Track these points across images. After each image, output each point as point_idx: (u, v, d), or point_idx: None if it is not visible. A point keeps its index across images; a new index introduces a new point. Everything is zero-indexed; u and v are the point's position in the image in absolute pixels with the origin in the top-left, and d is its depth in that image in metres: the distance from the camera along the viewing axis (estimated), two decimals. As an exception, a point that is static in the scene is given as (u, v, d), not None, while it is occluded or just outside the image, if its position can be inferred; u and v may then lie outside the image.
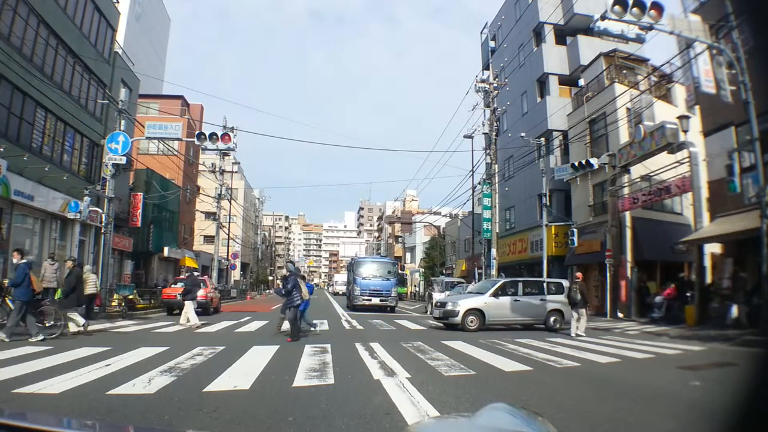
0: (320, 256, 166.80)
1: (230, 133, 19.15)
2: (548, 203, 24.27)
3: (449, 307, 14.59)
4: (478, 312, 14.34)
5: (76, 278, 11.70)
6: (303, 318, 12.13)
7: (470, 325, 14.07)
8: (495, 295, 14.79)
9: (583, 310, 13.72)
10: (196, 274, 17.03)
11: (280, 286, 11.37)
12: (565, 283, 15.92)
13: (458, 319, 14.09)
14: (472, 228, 34.32)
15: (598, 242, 22.09)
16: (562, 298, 15.08)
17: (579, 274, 15.65)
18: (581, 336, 12.97)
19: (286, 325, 11.43)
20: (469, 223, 37.00)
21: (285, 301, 11.21)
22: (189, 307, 13.49)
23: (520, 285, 15.57)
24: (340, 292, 52.24)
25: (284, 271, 11.36)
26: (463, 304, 14.43)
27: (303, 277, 12.99)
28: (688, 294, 17.09)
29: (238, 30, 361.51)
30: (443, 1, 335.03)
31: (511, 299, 14.91)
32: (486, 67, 34.95)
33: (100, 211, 18.21)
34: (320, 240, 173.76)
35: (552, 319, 15.06)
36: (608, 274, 19.99)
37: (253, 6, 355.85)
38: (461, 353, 8.87)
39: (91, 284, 13.84)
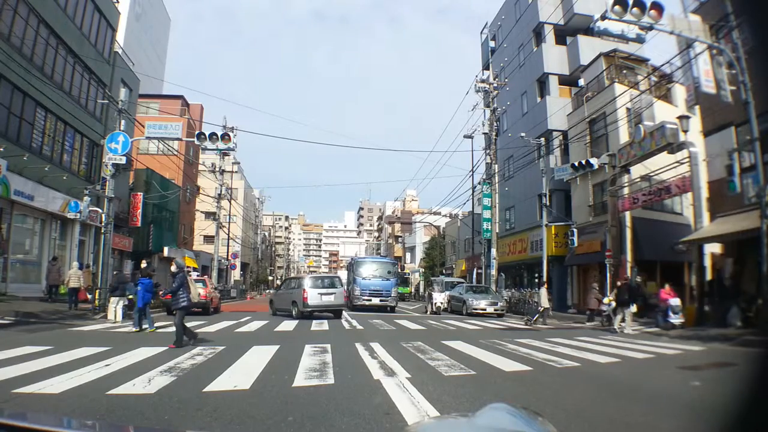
0: (320, 256, 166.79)
1: (230, 133, 19.15)
2: (548, 203, 24.28)
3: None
4: None
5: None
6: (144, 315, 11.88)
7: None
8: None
9: (628, 309, 15.14)
10: (184, 273, 16.31)
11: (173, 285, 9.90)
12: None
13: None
14: (472, 228, 34.33)
15: (598, 242, 22.09)
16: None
17: (625, 276, 17.00)
18: (625, 332, 14.38)
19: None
20: (469, 223, 37.01)
21: (171, 301, 10.00)
22: (115, 304, 14.39)
23: None
24: None
25: (173, 268, 10.16)
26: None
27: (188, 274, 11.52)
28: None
29: (240, 30, 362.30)
30: (447, 2, 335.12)
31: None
32: (486, 67, 34.97)
33: (100, 211, 18.20)
34: (320, 240, 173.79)
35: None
36: (608, 274, 19.98)
37: (256, 6, 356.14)
38: (461, 353, 8.87)
39: (74, 279, 15.90)
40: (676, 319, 15.13)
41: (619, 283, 16.17)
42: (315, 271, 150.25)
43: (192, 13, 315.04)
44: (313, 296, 17.70)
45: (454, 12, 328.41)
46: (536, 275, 26.89)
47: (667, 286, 16.21)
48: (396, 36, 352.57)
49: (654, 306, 17.87)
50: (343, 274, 32.62)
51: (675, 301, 15.38)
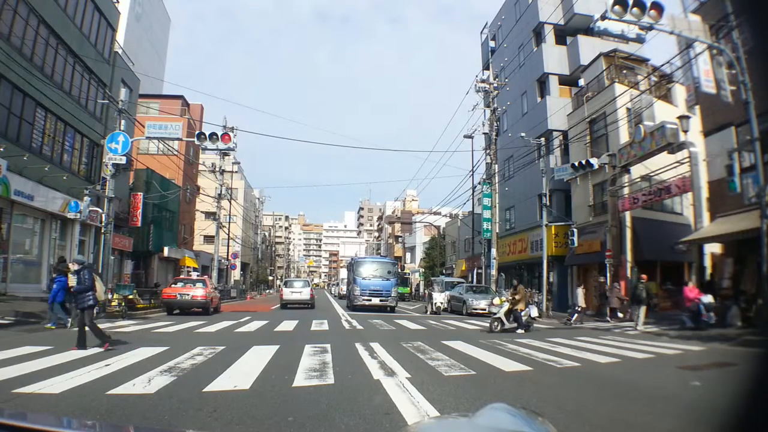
0: (320, 256, 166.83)
1: (230, 133, 19.16)
2: (548, 203, 24.27)
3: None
4: None
5: None
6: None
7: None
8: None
9: (644, 308, 15.48)
10: (90, 269, 13.13)
11: (76, 283, 8.71)
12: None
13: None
14: (472, 228, 34.33)
15: (598, 242, 22.09)
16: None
17: (644, 276, 16.79)
18: (641, 329, 14.79)
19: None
20: (469, 223, 37.01)
21: (77, 300, 8.93)
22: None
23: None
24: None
25: (73, 266, 9.04)
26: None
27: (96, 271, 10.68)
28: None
29: (242, 30, 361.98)
30: (449, 1, 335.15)
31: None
32: (486, 67, 34.96)
33: (100, 211, 18.21)
34: (320, 240, 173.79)
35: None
36: (608, 274, 19.99)
37: (258, 6, 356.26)
38: (461, 353, 8.87)
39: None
40: (711, 318, 14.03)
41: (638, 284, 16.24)
42: (315, 271, 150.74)
43: (194, 13, 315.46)
44: (287, 293, 26.20)
45: (456, 12, 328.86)
46: (537, 275, 26.88)
47: (690, 284, 15.53)
48: (397, 36, 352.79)
49: (654, 305, 17.78)
50: (342, 274, 32.88)
51: (707, 299, 14.30)
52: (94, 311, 8.73)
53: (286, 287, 26.95)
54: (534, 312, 14.87)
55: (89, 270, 8.88)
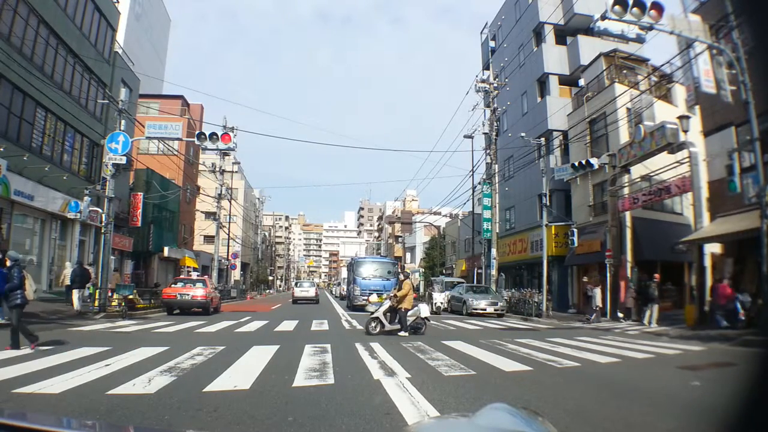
0: (320, 256, 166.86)
1: (230, 133, 19.15)
2: (548, 203, 24.26)
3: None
4: None
5: None
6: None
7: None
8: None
9: (656, 306, 16.45)
10: (20, 267, 10.91)
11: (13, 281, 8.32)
12: None
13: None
14: (472, 228, 34.32)
15: (598, 242, 22.09)
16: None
17: (657, 276, 17.57)
18: (654, 328, 15.27)
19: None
20: (469, 223, 37.00)
21: (6, 299, 8.46)
22: (74, 295, 16.13)
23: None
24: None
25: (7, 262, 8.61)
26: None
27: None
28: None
29: (243, 30, 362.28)
30: (450, 1, 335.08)
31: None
32: (486, 67, 34.97)
33: (100, 211, 18.20)
34: (320, 240, 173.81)
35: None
36: (608, 274, 19.99)
37: (260, 7, 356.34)
38: (461, 353, 8.87)
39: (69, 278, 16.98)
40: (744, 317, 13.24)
41: (650, 283, 17.15)
42: (315, 271, 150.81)
43: (196, 13, 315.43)
44: (298, 291, 34.42)
45: (457, 12, 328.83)
46: (537, 275, 26.87)
47: (725, 280, 14.34)
48: (398, 36, 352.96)
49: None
50: (344, 274, 33.39)
51: (745, 297, 13.56)
52: (22, 310, 8.42)
53: (296, 287, 35.70)
54: (425, 311, 12.45)
55: (19, 268, 8.50)
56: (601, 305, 18.68)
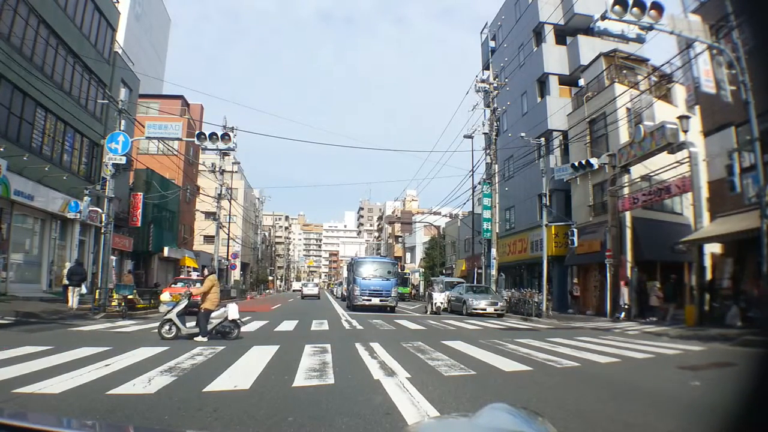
0: (320, 256, 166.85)
1: (230, 133, 19.14)
2: (548, 203, 24.27)
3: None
4: None
5: None
6: None
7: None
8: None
9: (673, 305, 17.18)
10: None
11: None
12: None
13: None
14: (472, 228, 34.33)
15: (598, 242, 22.08)
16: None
17: (674, 276, 18.36)
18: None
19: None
20: (469, 223, 37.01)
21: None
22: (70, 292, 16.41)
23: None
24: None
25: None
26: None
27: None
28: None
29: (245, 30, 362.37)
30: (452, 2, 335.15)
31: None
32: (486, 67, 34.98)
33: (100, 211, 18.21)
34: (320, 240, 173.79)
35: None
36: (608, 274, 19.99)
37: (261, 7, 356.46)
38: (461, 353, 8.87)
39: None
40: None
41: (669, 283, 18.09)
42: (315, 271, 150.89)
43: (198, 13, 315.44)
44: (304, 290, 44.68)
45: (457, 12, 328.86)
46: (537, 275, 26.86)
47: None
48: (398, 36, 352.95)
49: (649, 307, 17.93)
50: (344, 274, 33.28)
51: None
52: None
53: (304, 287, 47.23)
54: (233, 312, 10.33)
55: None
56: (628, 302, 18.98)
